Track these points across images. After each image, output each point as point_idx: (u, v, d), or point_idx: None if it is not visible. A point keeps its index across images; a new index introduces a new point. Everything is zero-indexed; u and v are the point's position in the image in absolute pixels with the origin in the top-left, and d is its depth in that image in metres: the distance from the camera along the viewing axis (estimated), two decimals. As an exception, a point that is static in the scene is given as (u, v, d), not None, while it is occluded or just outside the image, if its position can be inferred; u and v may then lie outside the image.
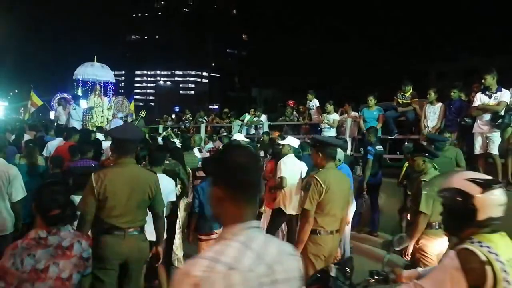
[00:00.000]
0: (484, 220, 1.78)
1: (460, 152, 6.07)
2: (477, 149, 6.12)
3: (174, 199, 4.33)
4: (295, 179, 5.18)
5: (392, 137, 8.11)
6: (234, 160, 1.35)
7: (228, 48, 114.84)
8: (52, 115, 14.67)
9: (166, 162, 4.64)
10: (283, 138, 7.37)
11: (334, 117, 8.71)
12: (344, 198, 3.58)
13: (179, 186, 4.92)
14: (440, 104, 6.93)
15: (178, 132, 10.82)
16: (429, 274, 1.88)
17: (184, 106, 23.85)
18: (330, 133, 8.71)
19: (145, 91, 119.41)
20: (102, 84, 13.26)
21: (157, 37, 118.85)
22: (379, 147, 6.63)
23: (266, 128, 10.46)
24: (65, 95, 13.70)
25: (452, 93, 6.79)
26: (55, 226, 2.26)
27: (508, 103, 5.86)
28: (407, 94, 7.73)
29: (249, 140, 8.34)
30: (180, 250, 4.74)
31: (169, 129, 11.08)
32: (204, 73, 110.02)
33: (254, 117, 11.20)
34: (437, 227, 3.54)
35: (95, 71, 13.25)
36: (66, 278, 2.25)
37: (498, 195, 1.82)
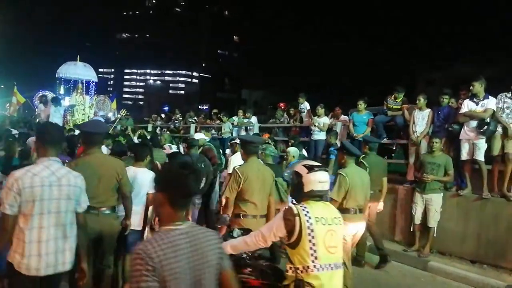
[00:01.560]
0: (309, 191, 2.56)
1: (450, 159, 6.18)
2: (464, 155, 6.22)
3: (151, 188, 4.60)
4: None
5: (381, 142, 8.17)
6: (173, 172, 1.80)
7: (219, 49, 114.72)
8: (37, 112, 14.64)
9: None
10: (274, 141, 7.45)
11: (324, 120, 8.76)
12: (264, 187, 4.10)
13: None
14: (428, 110, 7.02)
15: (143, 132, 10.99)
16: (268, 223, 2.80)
17: (173, 106, 23.76)
18: (320, 136, 8.76)
19: (134, 90, 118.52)
20: (84, 82, 13.59)
21: (147, 36, 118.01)
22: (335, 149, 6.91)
23: (256, 130, 10.46)
24: (46, 92, 13.80)
25: (442, 100, 6.88)
26: None
27: (495, 110, 5.96)
28: (398, 100, 7.82)
29: (209, 138, 8.66)
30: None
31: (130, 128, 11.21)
32: (195, 73, 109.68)
33: (244, 118, 11.19)
34: (354, 212, 4.44)
35: (78, 70, 13.66)
36: None
37: (318, 175, 2.57)
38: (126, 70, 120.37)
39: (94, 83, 14.21)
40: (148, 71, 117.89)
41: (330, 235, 2.49)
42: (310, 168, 2.58)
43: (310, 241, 2.41)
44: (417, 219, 6.27)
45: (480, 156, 6.04)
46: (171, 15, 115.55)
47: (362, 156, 5.71)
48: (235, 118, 11.37)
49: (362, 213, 4.64)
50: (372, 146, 6.05)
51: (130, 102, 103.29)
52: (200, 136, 7.77)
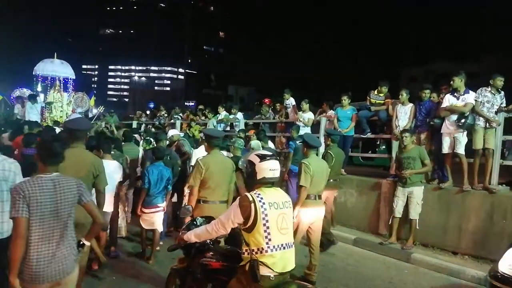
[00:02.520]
0: (260, 178, 2.77)
1: (423, 149, 6.33)
2: (445, 149, 6.34)
3: (120, 179, 5.37)
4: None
5: (364, 136, 8.28)
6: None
7: (205, 45, 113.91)
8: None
9: (112, 152, 5.61)
10: (258, 136, 7.57)
11: (309, 115, 8.82)
12: (225, 176, 4.54)
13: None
14: (411, 104, 7.13)
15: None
16: (226, 211, 2.94)
17: (159, 103, 23.52)
18: (305, 131, 8.80)
19: (119, 86, 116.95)
20: (62, 80, 13.74)
21: (132, 31, 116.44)
22: (300, 142, 7.22)
23: (242, 126, 10.46)
24: (24, 90, 13.91)
25: (423, 94, 6.99)
26: None
27: (474, 104, 6.08)
28: (381, 95, 7.90)
29: (183, 133, 8.99)
30: (123, 222, 6.21)
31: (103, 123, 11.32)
32: (180, 70, 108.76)
33: (230, 114, 11.18)
34: (314, 198, 4.86)
35: (55, 67, 13.84)
36: None
37: (269, 163, 2.78)
38: (111, 67, 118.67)
39: (71, 80, 14.39)
40: (132, 67, 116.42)
41: (282, 218, 2.73)
42: (262, 157, 2.80)
43: (264, 224, 2.63)
44: (398, 212, 6.38)
45: (461, 150, 6.17)
46: (155, 10, 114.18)
47: (328, 147, 6.52)
48: (221, 114, 11.35)
49: (321, 199, 5.06)
50: (334, 139, 6.55)
51: (114, 99, 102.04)
52: (174, 132, 8.37)
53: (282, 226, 2.70)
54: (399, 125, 7.14)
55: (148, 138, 8.57)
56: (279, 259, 2.65)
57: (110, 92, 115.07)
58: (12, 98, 14.50)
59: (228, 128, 11.18)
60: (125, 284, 4.77)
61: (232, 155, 6.23)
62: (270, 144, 8.11)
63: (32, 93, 13.03)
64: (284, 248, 2.70)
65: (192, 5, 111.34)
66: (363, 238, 6.85)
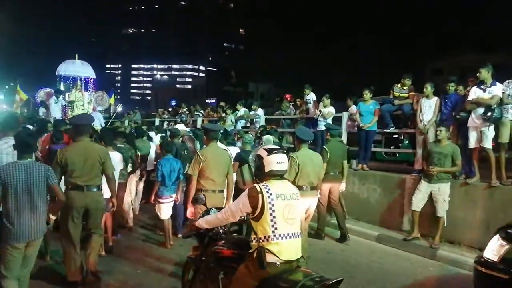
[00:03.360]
0: (269, 171, 2.91)
1: (457, 149, 6.10)
2: (472, 143, 6.15)
3: (121, 167, 5.76)
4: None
5: (388, 131, 8.12)
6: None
7: (225, 42, 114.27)
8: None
9: (122, 146, 6.24)
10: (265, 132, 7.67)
11: (330, 109, 8.73)
12: (222, 167, 4.93)
13: (130, 164, 6.39)
14: (435, 98, 6.94)
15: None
16: (235, 200, 3.08)
17: (180, 100, 23.80)
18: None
19: (142, 85, 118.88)
20: (83, 79, 14.34)
21: (154, 30, 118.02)
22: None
23: (262, 122, 10.46)
24: (47, 89, 14.41)
25: (448, 87, 6.80)
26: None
27: (501, 96, 5.87)
28: (405, 88, 7.74)
29: (189, 129, 9.14)
30: (130, 212, 6.63)
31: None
32: (201, 67, 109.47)
33: (251, 111, 11.19)
34: (306, 189, 5.09)
35: (76, 68, 14.50)
36: None
37: (276, 156, 2.93)
38: (133, 66, 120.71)
39: (92, 80, 14.93)
40: (155, 65, 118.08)
41: (289, 208, 2.85)
42: (270, 151, 2.96)
43: (271, 214, 2.77)
44: (415, 206, 6.21)
45: (488, 144, 5.97)
46: (176, 8, 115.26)
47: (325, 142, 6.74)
48: (240, 111, 11.38)
49: (314, 190, 5.30)
50: (333, 133, 6.78)
51: (137, 97, 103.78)
52: (181, 127, 8.58)
53: (288, 216, 2.83)
54: (423, 119, 6.96)
55: (163, 134, 8.91)
56: (285, 247, 2.77)
57: (133, 91, 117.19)
58: (36, 98, 15.03)
59: (248, 125, 11.21)
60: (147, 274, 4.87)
61: (223, 147, 6.47)
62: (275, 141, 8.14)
63: (58, 88, 13.72)
64: (290, 237, 2.81)
65: (212, 2, 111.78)
66: (387, 235, 6.74)
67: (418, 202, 6.20)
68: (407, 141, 8.69)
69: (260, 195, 2.77)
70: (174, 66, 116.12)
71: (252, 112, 11.09)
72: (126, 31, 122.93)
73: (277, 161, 2.92)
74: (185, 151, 6.90)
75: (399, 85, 7.84)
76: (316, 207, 6.12)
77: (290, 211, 2.84)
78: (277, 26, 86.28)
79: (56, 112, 11.95)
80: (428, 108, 6.94)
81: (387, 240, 6.58)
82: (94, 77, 15.09)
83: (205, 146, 5.42)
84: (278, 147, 3.10)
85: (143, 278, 4.81)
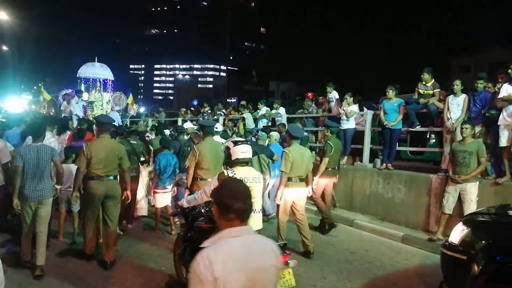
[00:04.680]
0: (235, 159, 3.62)
1: (483, 145, 5.91)
2: (503, 142, 5.94)
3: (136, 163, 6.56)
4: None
5: (413, 129, 7.93)
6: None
7: (246, 42, 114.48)
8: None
9: (134, 142, 6.85)
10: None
11: (353, 108, 8.60)
12: (216, 158, 5.38)
13: (142, 158, 7.14)
14: (463, 95, 6.74)
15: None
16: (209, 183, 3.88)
17: (202, 100, 24.02)
18: (349, 124, 8.60)
19: (164, 85, 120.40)
20: (101, 81, 15.18)
21: (175, 31, 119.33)
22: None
23: (284, 121, 10.41)
24: (69, 90, 15.05)
25: (477, 85, 6.58)
26: None
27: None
28: (429, 84, 7.54)
29: (197, 127, 9.36)
30: (145, 203, 7.16)
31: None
32: (222, 67, 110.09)
33: (272, 109, 11.16)
34: (295, 181, 5.55)
35: (95, 70, 15.45)
36: None
37: (241, 147, 3.62)
38: (156, 66, 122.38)
39: (110, 81, 15.75)
40: (177, 66, 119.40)
41: (251, 189, 2.93)
42: (235, 143, 3.66)
43: None
44: (448, 209, 6.03)
45: (520, 143, 5.76)
46: (198, 9, 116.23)
47: (327, 138, 7.10)
48: (262, 110, 11.37)
49: (302, 182, 5.69)
50: (333, 130, 7.09)
51: (160, 97, 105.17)
52: (188, 125, 9.32)
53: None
54: (451, 117, 6.77)
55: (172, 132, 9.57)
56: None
57: (155, 91, 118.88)
58: (58, 97, 15.76)
59: (270, 124, 11.18)
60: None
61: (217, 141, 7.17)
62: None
63: (80, 89, 14.55)
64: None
65: (233, 2, 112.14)
66: (412, 235, 6.58)
67: (450, 205, 6.02)
68: (433, 140, 8.46)
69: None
70: (196, 66, 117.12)
71: (274, 111, 11.07)
72: (149, 32, 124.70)
73: (241, 151, 3.61)
74: (188, 147, 7.21)
75: (423, 82, 7.66)
76: (315, 205, 6.89)
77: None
78: (297, 25, 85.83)
79: (77, 111, 12.58)
80: (456, 106, 6.74)
81: (412, 241, 6.43)
82: (112, 78, 15.84)
83: (202, 140, 5.99)
84: (243, 139, 3.82)
85: (161, 260, 5.33)
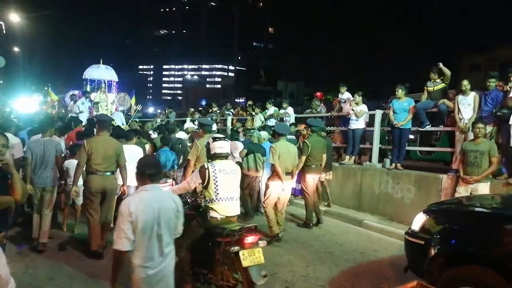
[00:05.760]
0: (213, 154, 4.03)
1: (494, 145, 5.84)
2: (514, 141, 5.85)
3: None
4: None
5: (423, 129, 7.84)
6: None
7: (254, 42, 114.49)
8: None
9: (138, 140, 7.10)
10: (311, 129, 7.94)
11: (362, 107, 8.55)
12: None
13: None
14: (473, 93, 6.64)
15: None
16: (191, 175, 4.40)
17: (210, 100, 24.13)
18: (358, 124, 8.55)
19: (173, 85, 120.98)
20: (106, 82, 15.67)
21: (184, 31, 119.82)
22: (291, 137, 8.44)
23: (292, 120, 10.39)
24: (76, 91, 15.57)
25: (489, 84, 6.48)
26: None
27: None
28: (438, 80, 7.48)
29: (196, 126, 9.56)
30: None
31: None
32: (231, 67, 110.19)
33: (281, 109, 11.14)
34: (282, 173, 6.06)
35: (100, 72, 16.18)
36: None
37: (219, 143, 4.02)
38: (165, 66, 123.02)
39: (115, 83, 16.37)
40: (185, 66, 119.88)
41: (229, 180, 3.95)
42: (214, 139, 4.10)
43: (215, 183, 3.87)
44: None
45: (533, 142, 5.66)
46: (206, 9, 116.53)
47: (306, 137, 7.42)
48: (270, 109, 11.36)
49: (289, 175, 6.20)
50: (314, 129, 7.34)
51: (169, 98, 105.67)
52: (189, 125, 10.07)
53: (228, 185, 3.93)
54: (463, 117, 6.67)
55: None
56: (224, 207, 3.90)
57: (164, 91, 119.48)
58: (65, 98, 16.30)
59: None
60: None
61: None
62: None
63: (86, 90, 15.17)
64: (228, 200, 3.93)
65: (241, 2, 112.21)
66: (422, 236, 6.52)
67: None
68: (444, 140, 8.36)
69: (207, 171, 3.88)
70: (204, 66, 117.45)
71: (282, 111, 11.04)
72: (157, 32, 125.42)
73: (219, 146, 4.01)
74: (180, 145, 7.73)
75: (432, 80, 7.59)
76: (303, 198, 7.31)
77: (229, 182, 3.94)
78: (305, 25, 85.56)
79: (83, 109, 13.08)
80: (467, 106, 6.66)
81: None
82: (117, 80, 16.47)
83: (200, 138, 6.31)
84: (222, 136, 4.32)
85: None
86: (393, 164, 7.76)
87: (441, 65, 7.41)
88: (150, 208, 2.71)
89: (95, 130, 6.55)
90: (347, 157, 8.88)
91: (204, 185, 3.88)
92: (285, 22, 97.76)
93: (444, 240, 3.49)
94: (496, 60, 26.34)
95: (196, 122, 10.86)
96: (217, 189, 3.84)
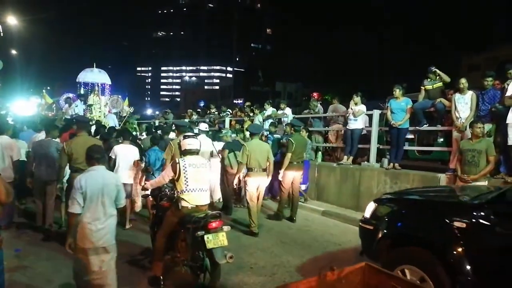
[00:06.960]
0: (184, 150, 4.44)
1: (492, 143, 5.85)
2: (511, 140, 5.86)
3: (137, 158, 6.89)
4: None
5: (421, 128, 7.85)
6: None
7: (253, 43, 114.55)
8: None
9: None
10: (308, 131, 7.91)
11: (360, 107, 8.55)
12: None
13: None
14: (470, 92, 6.65)
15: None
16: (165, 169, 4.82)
17: (209, 101, 24.14)
18: (356, 124, 8.55)
19: (171, 86, 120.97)
20: (99, 85, 16.00)
21: (182, 33, 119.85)
22: (277, 135, 9.44)
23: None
24: (70, 95, 15.96)
25: (486, 83, 6.49)
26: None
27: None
28: (437, 78, 7.50)
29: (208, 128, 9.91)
30: (138, 198, 7.40)
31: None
32: (229, 68, 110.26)
33: (279, 110, 11.13)
34: (256, 170, 6.61)
35: (94, 75, 16.53)
36: None
37: (188, 140, 4.46)
38: (163, 68, 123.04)
39: (108, 85, 16.77)
40: (183, 68, 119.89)
41: (198, 173, 4.35)
42: (185, 137, 4.53)
43: (184, 176, 4.28)
44: None
45: (529, 141, 5.66)
46: (204, 11, 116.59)
47: (290, 136, 7.87)
48: (268, 110, 11.34)
49: (264, 171, 6.68)
50: (297, 129, 7.78)
51: (167, 99, 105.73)
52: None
53: (197, 178, 4.32)
54: (460, 117, 6.68)
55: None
56: (194, 197, 4.30)
57: (162, 93, 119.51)
58: (60, 101, 16.58)
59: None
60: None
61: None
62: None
63: (80, 93, 15.55)
64: (198, 190, 4.32)
65: (239, 3, 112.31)
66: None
67: None
68: (441, 139, 8.37)
69: (178, 165, 4.28)
70: (202, 67, 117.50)
71: (280, 111, 11.03)
72: (156, 34, 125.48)
73: (188, 143, 4.42)
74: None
75: (428, 79, 7.61)
76: (279, 191, 7.80)
77: (198, 174, 4.34)
78: (303, 26, 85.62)
79: (80, 113, 13.29)
80: (464, 105, 6.66)
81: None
82: (110, 83, 16.80)
83: (176, 137, 6.78)
84: (193, 134, 4.78)
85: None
86: (391, 164, 7.77)
87: (434, 68, 7.47)
88: (96, 182, 3.58)
89: (74, 127, 7.16)
90: (345, 157, 8.89)
91: (176, 177, 4.29)
92: (283, 23, 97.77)
93: (389, 224, 3.98)
94: (496, 60, 26.42)
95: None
96: (187, 181, 4.25)
